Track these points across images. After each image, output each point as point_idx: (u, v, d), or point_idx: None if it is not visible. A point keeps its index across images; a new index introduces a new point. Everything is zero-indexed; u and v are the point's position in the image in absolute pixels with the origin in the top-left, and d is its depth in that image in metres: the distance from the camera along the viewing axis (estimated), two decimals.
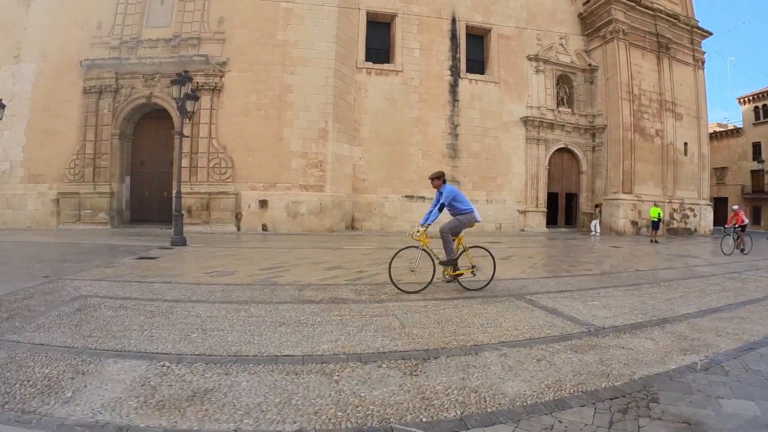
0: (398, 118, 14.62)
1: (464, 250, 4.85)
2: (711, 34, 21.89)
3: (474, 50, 16.81)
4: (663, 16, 19.53)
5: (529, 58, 17.32)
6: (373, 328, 3.29)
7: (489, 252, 4.93)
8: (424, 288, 4.62)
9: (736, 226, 10.72)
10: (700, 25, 21.33)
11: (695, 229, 19.78)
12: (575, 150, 18.36)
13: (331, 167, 12.75)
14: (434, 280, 4.74)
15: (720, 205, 26.40)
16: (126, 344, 2.72)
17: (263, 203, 12.38)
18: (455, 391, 2.19)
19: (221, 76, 12.31)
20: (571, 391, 2.26)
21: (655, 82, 19.49)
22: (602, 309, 4.30)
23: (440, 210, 4.75)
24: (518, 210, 16.70)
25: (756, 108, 30.62)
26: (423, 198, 14.35)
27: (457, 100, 15.78)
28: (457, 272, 4.80)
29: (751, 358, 3.00)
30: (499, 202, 16.28)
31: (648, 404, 2.14)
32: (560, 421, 1.92)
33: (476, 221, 4.90)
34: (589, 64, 18.54)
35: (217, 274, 5.51)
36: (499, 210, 16.27)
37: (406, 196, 14.37)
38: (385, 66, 14.85)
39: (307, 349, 2.71)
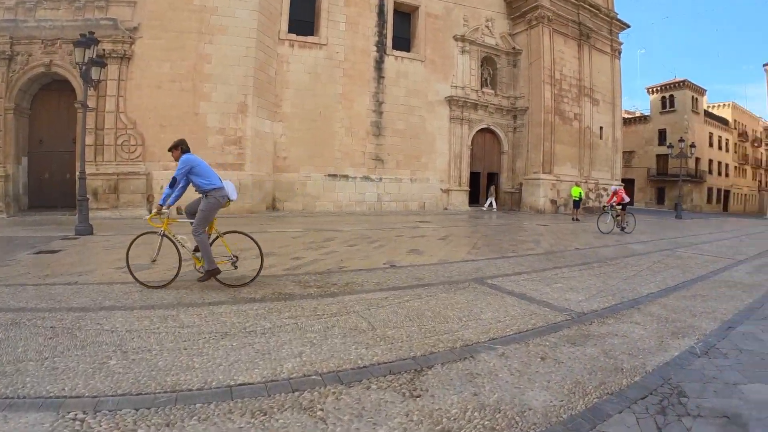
0: (322, 93, 16.76)
1: (218, 236, 4.62)
2: (629, 26, 26.97)
3: (401, 27, 19.45)
4: (586, 6, 23.84)
5: (456, 39, 20.43)
6: (340, 333, 3.22)
7: (251, 237, 4.74)
8: (169, 283, 4.47)
9: (615, 204, 12.79)
10: (618, 17, 26.23)
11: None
12: (497, 130, 22.19)
13: (251, 144, 14.48)
14: (180, 274, 4.61)
15: (628, 186, 32.77)
16: (20, 385, 2.24)
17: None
18: (476, 414, 2.13)
19: (131, 44, 13.00)
20: (598, 394, 2.39)
21: (576, 69, 23.92)
22: (570, 292, 4.95)
23: (182, 187, 4.51)
24: (441, 189, 20.10)
25: (663, 98, 38.42)
26: (347, 177, 16.98)
27: (383, 77, 18.36)
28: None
29: (736, 337, 3.61)
30: (423, 181, 19.48)
31: (679, 399, 2.39)
32: None
33: (229, 200, 4.58)
34: (513, 48, 22.25)
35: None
36: (423, 189, 19.51)
37: (330, 175, 16.74)
38: (310, 39, 16.76)
39: (267, 372, 2.48)
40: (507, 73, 22.42)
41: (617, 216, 12.78)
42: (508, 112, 22.26)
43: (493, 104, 21.64)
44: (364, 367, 2.66)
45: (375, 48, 18.23)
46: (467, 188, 20.91)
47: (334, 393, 2.30)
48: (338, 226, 11.65)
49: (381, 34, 18.37)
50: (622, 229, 12.72)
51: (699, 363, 3.07)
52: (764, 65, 34.73)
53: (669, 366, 2.97)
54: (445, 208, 19.94)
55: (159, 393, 2.22)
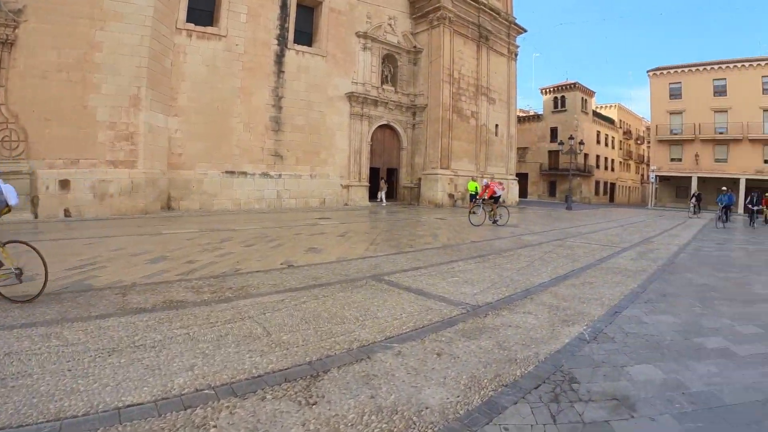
0: (219, 87, 18.53)
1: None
2: (525, 30, 32.11)
3: (304, 21, 21.80)
4: (486, 9, 28.14)
5: (358, 35, 23.31)
6: (233, 341, 3.39)
7: (33, 247, 4.57)
8: None
9: (487, 197, 14.61)
10: (517, 22, 30.97)
11: (504, 201, 29.99)
12: (397, 127, 25.81)
13: (144, 140, 15.66)
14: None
15: (522, 180, 38.83)
16: None
17: (64, 183, 13.65)
18: (373, 417, 2.37)
19: (15, 27, 13.13)
20: (494, 387, 2.82)
21: (474, 69, 28.26)
22: (466, 285, 5.57)
23: None
24: (341, 185, 23.15)
25: (555, 98, 46.52)
26: (245, 174, 19.09)
27: (283, 72, 20.62)
28: None
29: (622, 321, 4.38)
30: (323, 177, 22.26)
31: (571, 386, 2.89)
32: (506, 428, 2.34)
33: (8, 205, 4.48)
34: (415, 46, 25.78)
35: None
36: (324, 185, 22.37)
37: (227, 172, 18.69)
38: (209, 29, 18.33)
39: (158, 389, 2.59)
40: (407, 70, 26.10)
41: (490, 210, 14.80)
42: (407, 109, 26.04)
43: (393, 101, 25.21)
44: (259, 376, 2.81)
45: (276, 41, 20.38)
46: (367, 184, 24.30)
47: (227, 407, 2.41)
48: (236, 225, 12.67)
49: (283, 28, 20.53)
50: (495, 221, 14.71)
51: (588, 348, 3.63)
52: (648, 71, 42.90)
53: (560, 353, 3.46)
54: (346, 204, 23.10)
55: (42, 423, 2.22)
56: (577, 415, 2.55)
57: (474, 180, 23.32)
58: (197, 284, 5.32)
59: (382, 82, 24.93)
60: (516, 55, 32.28)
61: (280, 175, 20.46)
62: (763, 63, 37.11)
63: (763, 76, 37.06)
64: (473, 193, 21.13)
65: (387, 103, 24.82)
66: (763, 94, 37.20)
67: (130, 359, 3.04)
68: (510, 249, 9.35)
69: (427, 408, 2.53)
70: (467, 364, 3.20)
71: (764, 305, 5.70)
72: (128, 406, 2.42)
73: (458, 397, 2.69)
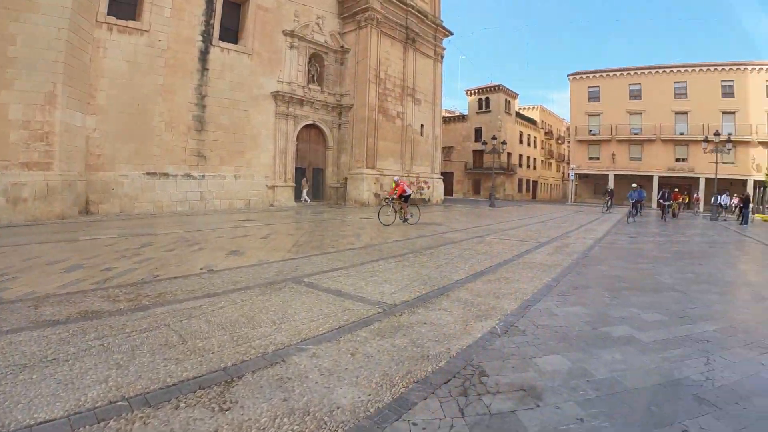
0: (141, 84, 19.12)
1: None
2: (452, 34, 35.00)
3: (230, 18, 22.84)
4: (414, 12, 30.52)
5: (285, 34, 24.73)
6: (149, 350, 3.60)
7: None
8: None
9: (396, 196, 15.39)
10: (444, 25, 33.60)
11: (429, 199, 33.09)
12: (323, 127, 27.66)
13: (60, 140, 15.83)
14: None
15: (447, 179, 42.11)
16: None
17: None
18: (285, 420, 2.60)
19: None
20: (405, 384, 3.13)
21: (401, 70, 30.63)
22: (385, 284, 6.07)
23: None
24: (267, 185, 24.53)
25: (480, 99, 51.74)
26: (167, 175, 19.91)
27: (207, 69, 21.60)
28: None
29: (534, 314, 4.91)
30: (247, 178, 23.52)
31: (480, 379, 3.23)
32: (414, 424, 2.60)
33: None
34: (342, 46, 27.64)
35: None
36: (248, 186, 23.63)
37: (148, 173, 19.35)
38: (131, 23, 18.79)
39: (71, 404, 2.70)
40: (334, 70, 28.05)
41: (400, 208, 15.60)
42: (333, 108, 27.94)
43: (320, 101, 26.96)
44: (173, 384, 2.98)
45: (201, 38, 21.30)
46: (293, 184, 25.90)
47: (141, 418, 2.57)
48: (157, 229, 12.91)
49: (208, 24, 21.51)
50: (405, 220, 15.57)
51: (500, 342, 4.01)
52: (568, 75, 48.13)
53: (472, 348, 3.81)
54: (272, 205, 24.47)
55: None
56: (485, 407, 2.84)
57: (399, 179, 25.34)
58: (114, 293, 5.46)
59: (309, 82, 26.54)
60: (442, 57, 35.20)
61: (203, 176, 21.38)
62: (675, 70, 43.57)
63: (675, 82, 43.88)
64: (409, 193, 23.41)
65: (313, 102, 26.45)
66: (675, 98, 43.86)
67: (42, 375, 3.11)
68: (431, 247, 10.12)
69: (338, 408, 2.76)
70: (380, 362, 3.49)
71: (670, 293, 6.47)
72: (41, 423, 2.50)
73: (369, 395, 2.94)
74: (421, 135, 33.46)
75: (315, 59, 26.81)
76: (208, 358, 3.51)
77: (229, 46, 22.51)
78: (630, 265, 8.93)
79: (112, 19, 18.26)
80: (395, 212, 15.92)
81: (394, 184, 16.23)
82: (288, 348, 3.78)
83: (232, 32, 23.10)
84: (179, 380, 3.11)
